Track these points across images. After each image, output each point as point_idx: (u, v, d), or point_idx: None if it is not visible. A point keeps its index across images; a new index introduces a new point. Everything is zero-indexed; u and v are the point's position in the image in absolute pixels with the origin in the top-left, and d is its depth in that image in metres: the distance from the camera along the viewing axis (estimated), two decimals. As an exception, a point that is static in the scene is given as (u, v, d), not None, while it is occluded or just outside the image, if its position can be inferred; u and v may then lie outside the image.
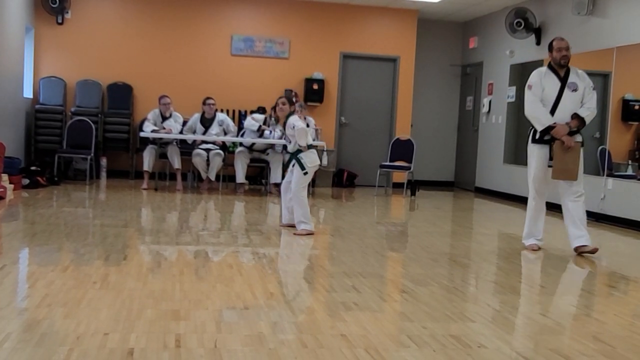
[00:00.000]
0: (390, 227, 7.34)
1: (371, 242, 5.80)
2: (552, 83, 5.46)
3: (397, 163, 10.47)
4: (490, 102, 11.07)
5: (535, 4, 9.67)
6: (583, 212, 5.45)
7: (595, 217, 7.64)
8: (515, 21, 9.72)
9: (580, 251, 5.47)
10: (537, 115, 5.45)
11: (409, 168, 10.20)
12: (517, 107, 10.34)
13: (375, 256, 5.20)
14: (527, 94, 5.52)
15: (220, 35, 10.74)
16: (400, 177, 10.87)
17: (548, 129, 5.40)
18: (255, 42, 10.83)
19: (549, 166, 5.46)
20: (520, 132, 10.31)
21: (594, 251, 5.42)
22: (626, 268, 5.35)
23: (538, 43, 9.65)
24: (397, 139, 10.74)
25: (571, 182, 5.40)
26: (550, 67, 5.55)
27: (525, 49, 10.01)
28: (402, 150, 10.49)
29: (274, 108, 6.16)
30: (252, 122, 9.36)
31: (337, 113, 11.22)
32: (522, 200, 9.76)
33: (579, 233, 5.45)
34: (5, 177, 7.64)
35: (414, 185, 10.08)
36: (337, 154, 11.19)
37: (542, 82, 5.47)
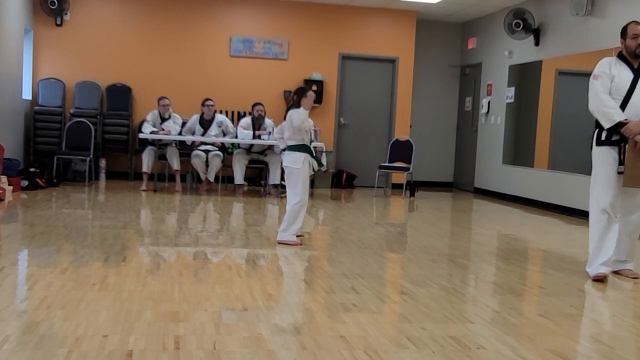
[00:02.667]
0: (389, 228, 7.34)
1: (370, 243, 5.80)
2: (624, 74, 4.66)
3: (396, 164, 10.47)
4: (489, 102, 11.07)
5: (534, 5, 9.68)
6: (637, 237, 4.79)
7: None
8: (514, 22, 9.73)
9: (618, 273, 4.89)
10: (606, 110, 4.60)
11: (408, 169, 10.20)
12: (516, 108, 10.36)
13: (374, 257, 5.20)
14: (593, 85, 4.68)
15: (219, 37, 10.74)
16: (399, 178, 10.87)
17: (618, 126, 4.57)
18: (254, 43, 10.83)
19: (619, 172, 4.64)
20: (519, 132, 10.33)
21: (635, 277, 4.80)
22: (625, 268, 5.34)
23: (537, 44, 9.66)
24: (396, 139, 10.74)
25: (637, 193, 4.67)
26: (620, 56, 4.74)
27: (524, 49, 10.02)
28: (401, 151, 10.49)
29: (300, 97, 5.50)
30: (244, 132, 9.20)
31: (336, 114, 11.22)
32: (521, 201, 9.79)
33: (623, 258, 4.85)
34: (4, 178, 7.65)
35: (413, 186, 10.08)
36: (336, 155, 11.19)
37: (611, 72, 4.66)
